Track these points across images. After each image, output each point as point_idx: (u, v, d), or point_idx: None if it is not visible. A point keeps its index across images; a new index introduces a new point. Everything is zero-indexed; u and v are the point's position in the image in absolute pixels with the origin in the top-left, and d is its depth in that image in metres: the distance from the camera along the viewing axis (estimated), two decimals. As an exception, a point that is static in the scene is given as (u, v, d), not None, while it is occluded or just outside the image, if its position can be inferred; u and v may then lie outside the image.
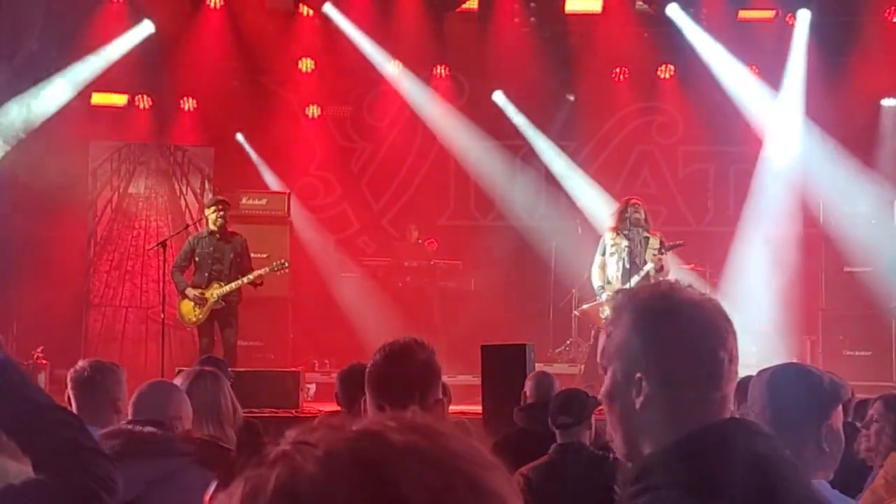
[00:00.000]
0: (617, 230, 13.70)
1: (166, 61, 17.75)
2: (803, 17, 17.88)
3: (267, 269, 13.79)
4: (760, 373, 4.23)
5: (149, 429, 5.09)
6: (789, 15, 17.98)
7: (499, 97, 18.77)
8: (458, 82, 19.00)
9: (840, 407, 4.13)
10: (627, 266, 13.46)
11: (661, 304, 2.87)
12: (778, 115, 18.08)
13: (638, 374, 2.82)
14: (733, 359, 2.89)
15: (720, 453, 2.72)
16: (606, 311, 13.30)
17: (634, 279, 13.30)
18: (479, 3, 17.93)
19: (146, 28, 17.51)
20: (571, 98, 18.73)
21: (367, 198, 18.90)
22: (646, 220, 13.76)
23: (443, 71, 18.82)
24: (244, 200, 16.55)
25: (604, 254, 13.79)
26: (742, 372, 3.11)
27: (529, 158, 18.99)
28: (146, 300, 16.70)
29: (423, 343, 4.18)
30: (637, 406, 2.82)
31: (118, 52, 17.35)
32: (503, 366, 10.62)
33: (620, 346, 2.88)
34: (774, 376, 4.14)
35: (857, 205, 16.74)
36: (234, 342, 13.74)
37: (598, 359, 2.99)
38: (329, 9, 18.01)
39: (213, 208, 13.77)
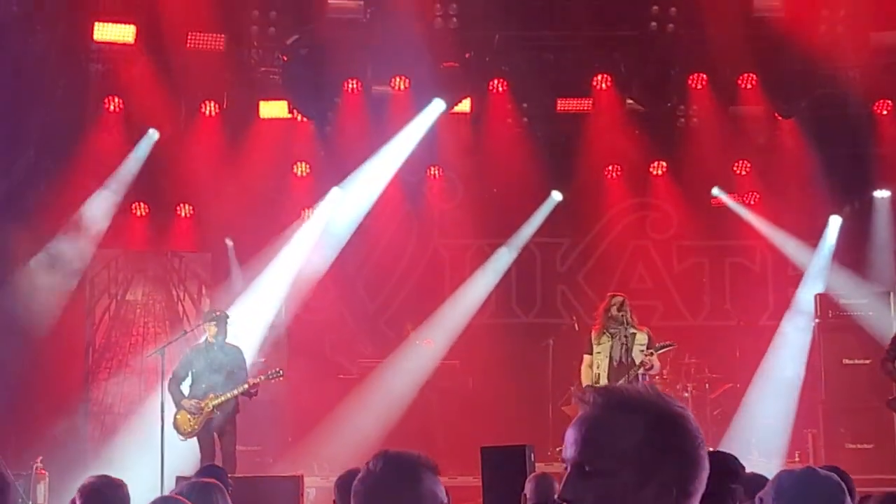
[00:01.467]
0: (602, 328, 13.65)
1: (162, 169, 17.87)
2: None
3: (262, 377, 13.84)
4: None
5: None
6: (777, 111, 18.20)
7: (491, 197, 18.90)
8: (452, 183, 19.15)
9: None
10: (616, 365, 13.40)
11: (676, 411, 2.74)
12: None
13: (659, 480, 2.67)
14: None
15: None
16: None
17: (622, 380, 13.22)
18: (472, 105, 18.13)
19: (152, 137, 17.64)
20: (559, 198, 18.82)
21: (363, 299, 18.96)
22: (630, 315, 13.66)
23: (437, 172, 18.98)
24: (244, 304, 16.63)
25: (590, 353, 13.70)
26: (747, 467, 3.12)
27: (524, 256, 19.07)
28: (145, 407, 16.63)
29: (430, 465, 3.95)
30: None
31: (134, 165, 17.49)
32: (503, 467, 10.58)
33: (633, 449, 2.68)
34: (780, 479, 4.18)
35: (854, 297, 16.80)
36: (233, 450, 13.73)
37: (578, 455, 2.73)
38: (322, 113, 18.17)
39: (212, 322, 13.87)
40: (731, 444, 14.81)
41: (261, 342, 16.62)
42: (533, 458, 10.83)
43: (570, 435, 2.73)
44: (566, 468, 2.74)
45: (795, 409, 16.80)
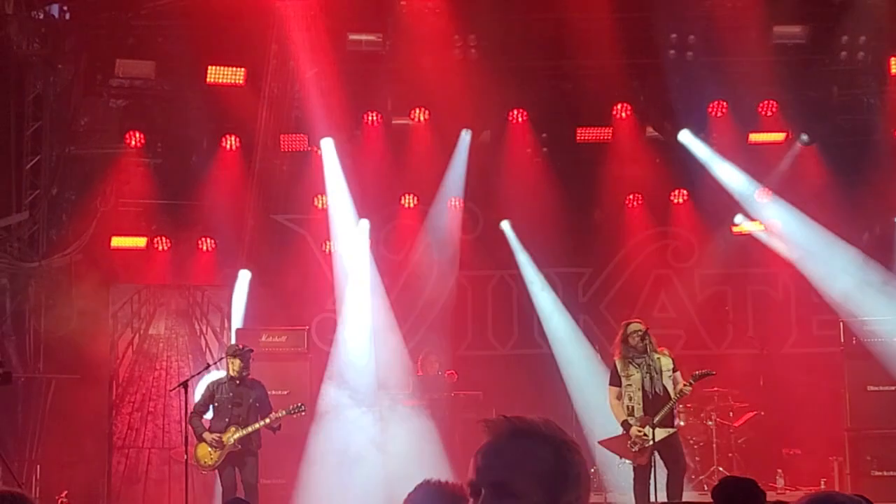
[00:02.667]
0: (624, 359, 13.49)
1: (184, 203, 17.95)
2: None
3: (283, 412, 13.83)
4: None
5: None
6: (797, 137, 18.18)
7: (506, 227, 18.88)
8: (473, 213, 19.16)
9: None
10: (651, 397, 13.25)
11: (573, 440, 2.91)
12: (791, 235, 18.21)
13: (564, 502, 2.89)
14: None
15: None
16: (638, 446, 13.17)
17: (661, 413, 13.12)
18: (492, 136, 18.15)
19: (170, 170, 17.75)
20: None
21: (385, 330, 18.90)
22: (650, 340, 13.44)
23: (457, 203, 19.00)
24: (264, 338, 16.67)
25: (618, 384, 13.55)
26: (770, 496, 3.11)
27: (544, 286, 19.04)
28: (169, 441, 16.65)
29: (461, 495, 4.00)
30: None
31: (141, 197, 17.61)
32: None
33: (545, 474, 2.85)
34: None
35: (877, 322, 16.69)
36: (255, 483, 13.72)
37: (495, 476, 2.83)
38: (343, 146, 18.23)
39: (235, 357, 13.90)
40: (756, 473, 14.70)
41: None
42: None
43: (482, 459, 2.85)
44: (473, 490, 2.86)
45: (821, 437, 16.69)
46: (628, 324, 13.62)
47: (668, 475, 13.30)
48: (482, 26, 17.29)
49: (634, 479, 13.54)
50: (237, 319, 17.55)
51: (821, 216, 17.92)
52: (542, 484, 2.81)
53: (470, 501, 2.86)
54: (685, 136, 18.19)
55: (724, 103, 17.90)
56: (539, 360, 18.56)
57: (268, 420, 13.69)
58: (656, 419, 13.10)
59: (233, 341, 16.52)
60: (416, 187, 18.63)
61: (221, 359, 15.49)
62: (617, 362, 13.51)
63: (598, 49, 17.33)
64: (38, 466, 16.30)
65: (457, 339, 18.78)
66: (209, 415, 14.08)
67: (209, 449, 13.71)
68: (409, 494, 3.85)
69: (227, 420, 13.75)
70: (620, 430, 13.44)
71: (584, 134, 18.23)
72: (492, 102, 17.81)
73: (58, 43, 18.17)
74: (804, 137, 18.09)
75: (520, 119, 18.01)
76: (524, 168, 18.39)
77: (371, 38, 17.49)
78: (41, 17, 18.20)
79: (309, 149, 18.02)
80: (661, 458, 13.47)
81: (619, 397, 13.42)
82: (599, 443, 14.43)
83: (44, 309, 17.16)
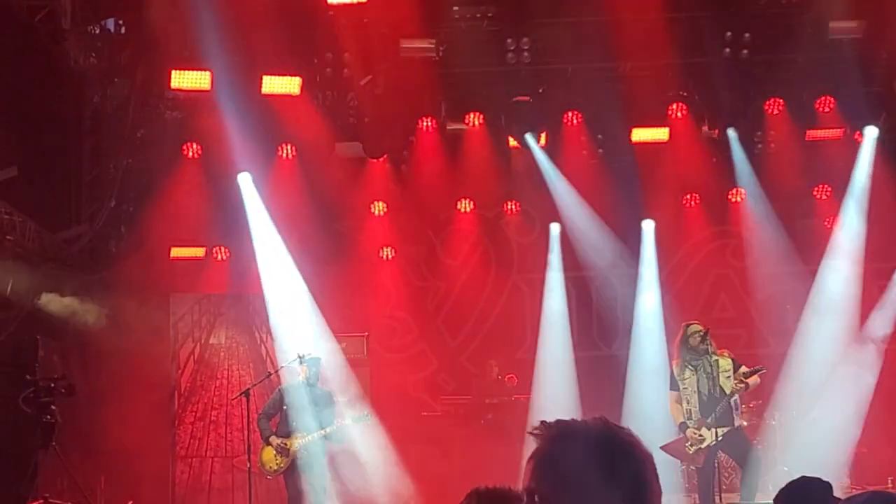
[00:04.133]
0: (682, 361, 13.40)
1: (241, 213, 18.02)
2: (870, 134, 17.87)
3: (349, 420, 13.86)
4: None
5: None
6: (857, 133, 17.98)
7: (556, 230, 18.82)
8: (529, 216, 19.13)
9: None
10: (706, 399, 13.17)
11: (622, 437, 2.92)
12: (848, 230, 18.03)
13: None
14: None
15: None
16: (695, 447, 13.10)
17: (717, 412, 13.03)
18: (547, 138, 18.09)
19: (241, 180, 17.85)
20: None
21: (444, 336, 18.95)
22: (709, 341, 13.35)
23: (513, 207, 18.97)
24: (323, 345, 16.69)
25: (676, 388, 13.46)
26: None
27: (603, 288, 18.99)
28: (231, 449, 16.76)
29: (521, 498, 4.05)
30: None
31: (198, 208, 17.72)
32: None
33: (575, 475, 2.85)
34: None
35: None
36: (324, 489, 13.74)
37: (528, 483, 2.88)
38: (398, 152, 18.25)
39: (304, 364, 13.96)
40: (822, 472, 14.55)
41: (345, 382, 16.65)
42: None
43: (534, 465, 2.86)
44: (528, 496, 2.87)
45: (887, 435, 16.50)
46: (688, 325, 13.55)
47: (742, 473, 13.25)
48: (535, 29, 17.23)
49: (697, 481, 13.50)
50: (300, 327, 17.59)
51: (881, 212, 17.76)
52: (573, 486, 2.80)
53: None
54: (731, 134, 18.00)
55: (781, 100, 17.73)
56: (598, 362, 18.49)
57: (332, 428, 13.73)
58: (710, 419, 13.02)
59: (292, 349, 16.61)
60: (472, 192, 18.62)
61: (282, 367, 15.60)
62: (674, 367, 13.45)
63: (653, 49, 17.22)
64: (103, 477, 16.43)
65: (515, 342, 18.73)
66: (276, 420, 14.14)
67: (274, 453, 13.76)
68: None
69: (294, 425, 13.81)
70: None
71: (640, 134, 18.14)
72: (546, 105, 17.76)
73: (114, 56, 18.34)
74: None
75: (575, 121, 17.94)
76: (580, 170, 18.32)
77: (424, 44, 17.47)
78: (97, 31, 18.36)
79: (365, 155, 18.02)
80: (729, 456, 13.39)
81: (678, 401, 13.36)
82: (660, 447, 14.35)
83: (105, 320, 17.29)
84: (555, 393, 17.53)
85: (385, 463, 16.42)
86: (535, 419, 16.13)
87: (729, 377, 13.19)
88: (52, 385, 12.61)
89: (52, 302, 16.31)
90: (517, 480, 4.24)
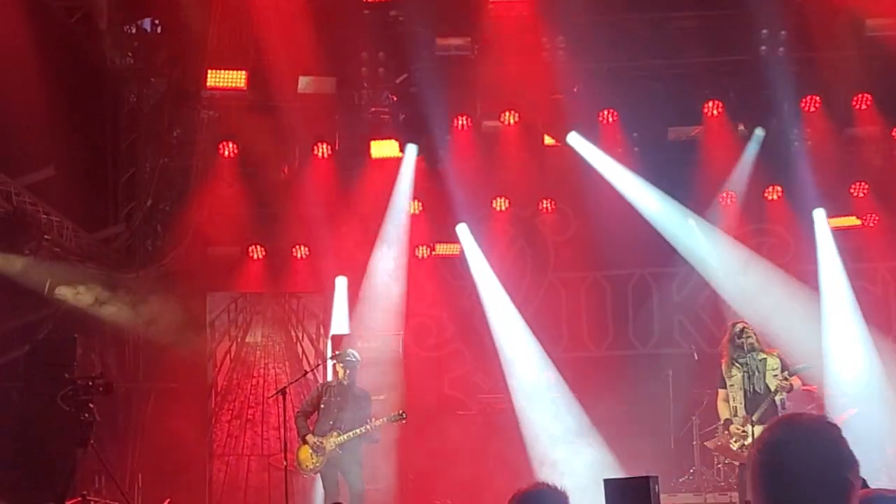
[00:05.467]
0: (729, 360, 13.38)
1: (277, 211, 18.08)
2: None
3: (385, 419, 13.89)
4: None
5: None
6: (894, 129, 17.87)
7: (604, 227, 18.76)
8: (564, 214, 19.09)
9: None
10: (750, 395, 13.13)
11: None
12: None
13: None
14: None
15: None
16: (739, 443, 13.06)
17: (760, 410, 12.98)
18: (583, 137, 18.04)
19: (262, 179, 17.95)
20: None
21: (480, 335, 18.90)
22: (756, 340, 13.31)
23: (549, 205, 18.94)
24: (359, 343, 16.69)
25: (724, 386, 13.44)
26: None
27: (641, 287, 18.94)
28: (268, 448, 16.80)
29: (558, 490, 4.10)
30: None
31: (235, 206, 17.82)
32: (627, 500, 10.45)
33: None
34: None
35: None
36: (360, 488, 13.76)
37: None
38: (433, 151, 18.24)
39: (342, 363, 13.99)
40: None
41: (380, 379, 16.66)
42: (658, 490, 10.67)
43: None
44: None
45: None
46: (734, 324, 13.58)
47: None
48: (570, 28, 17.21)
49: (738, 478, 13.48)
50: (335, 325, 17.65)
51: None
52: None
53: None
54: (777, 132, 17.92)
55: (818, 98, 17.64)
56: (636, 361, 18.44)
57: (367, 428, 13.74)
58: (755, 416, 12.99)
59: (329, 348, 16.67)
60: (508, 190, 18.59)
61: (318, 366, 15.64)
62: (722, 365, 13.41)
63: (688, 47, 17.20)
64: (140, 475, 16.53)
65: (552, 341, 18.68)
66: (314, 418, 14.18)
67: (310, 452, 13.79)
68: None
69: (330, 423, 13.84)
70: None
71: (676, 132, 18.06)
72: (581, 103, 17.73)
73: (150, 56, 18.45)
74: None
75: (610, 119, 17.90)
76: (615, 168, 18.25)
77: (459, 42, 17.49)
78: (133, 31, 18.48)
79: (400, 154, 18.02)
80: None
81: (726, 399, 13.34)
82: (705, 443, 14.32)
83: (142, 319, 17.38)
84: (592, 391, 17.46)
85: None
86: (572, 420, 16.09)
87: (776, 375, 13.13)
88: (90, 383, 12.69)
89: (82, 295, 16.45)
90: (552, 477, 4.25)
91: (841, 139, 18.00)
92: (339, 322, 17.79)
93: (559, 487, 4.20)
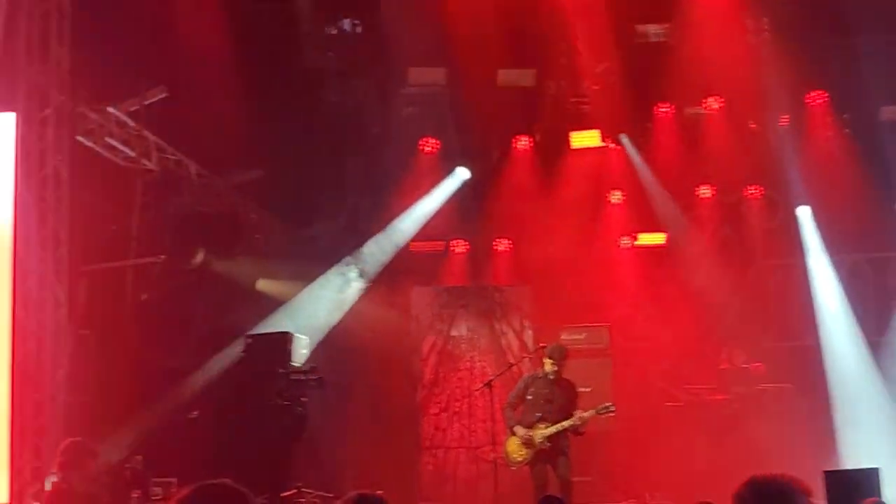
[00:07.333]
0: None
1: (479, 206, 18.13)
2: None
3: (592, 411, 13.72)
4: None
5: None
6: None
7: (804, 213, 18.22)
8: (772, 201, 18.61)
9: None
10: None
11: None
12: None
13: None
14: None
15: None
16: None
17: None
18: (790, 119, 17.58)
19: (461, 175, 18.03)
20: None
21: (687, 324, 18.55)
22: None
23: (755, 191, 18.49)
24: (564, 335, 16.60)
25: None
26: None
27: (859, 272, 18.33)
28: (475, 440, 16.85)
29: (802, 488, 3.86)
30: None
31: (436, 202, 17.94)
32: (849, 493, 10.11)
33: None
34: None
35: None
36: (569, 478, 13.64)
37: None
38: (635, 139, 18.04)
39: (551, 356, 13.90)
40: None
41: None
42: (878, 481, 10.29)
43: None
44: None
45: None
46: None
47: None
48: (774, 8, 16.78)
49: None
50: (538, 317, 17.61)
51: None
52: None
53: None
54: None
55: None
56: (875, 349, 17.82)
57: (574, 420, 13.63)
58: None
59: (531, 340, 16.63)
60: (713, 177, 18.23)
61: (523, 358, 15.59)
62: None
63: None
64: (350, 468, 16.74)
65: (762, 329, 18.22)
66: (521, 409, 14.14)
67: (519, 444, 13.75)
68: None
69: (537, 415, 13.77)
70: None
71: (890, 112, 17.41)
72: (788, 86, 17.25)
73: (350, 56, 18.68)
74: None
75: (819, 101, 17.37)
76: (825, 152, 17.70)
77: (658, 28, 17.23)
78: (334, 32, 18.74)
79: (602, 144, 17.85)
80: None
81: None
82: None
83: (348, 314, 17.62)
84: (806, 381, 16.98)
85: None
86: (790, 409, 15.62)
87: None
88: (303, 378, 12.91)
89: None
90: (769, 469, 4.05)
91: None
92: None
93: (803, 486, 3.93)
